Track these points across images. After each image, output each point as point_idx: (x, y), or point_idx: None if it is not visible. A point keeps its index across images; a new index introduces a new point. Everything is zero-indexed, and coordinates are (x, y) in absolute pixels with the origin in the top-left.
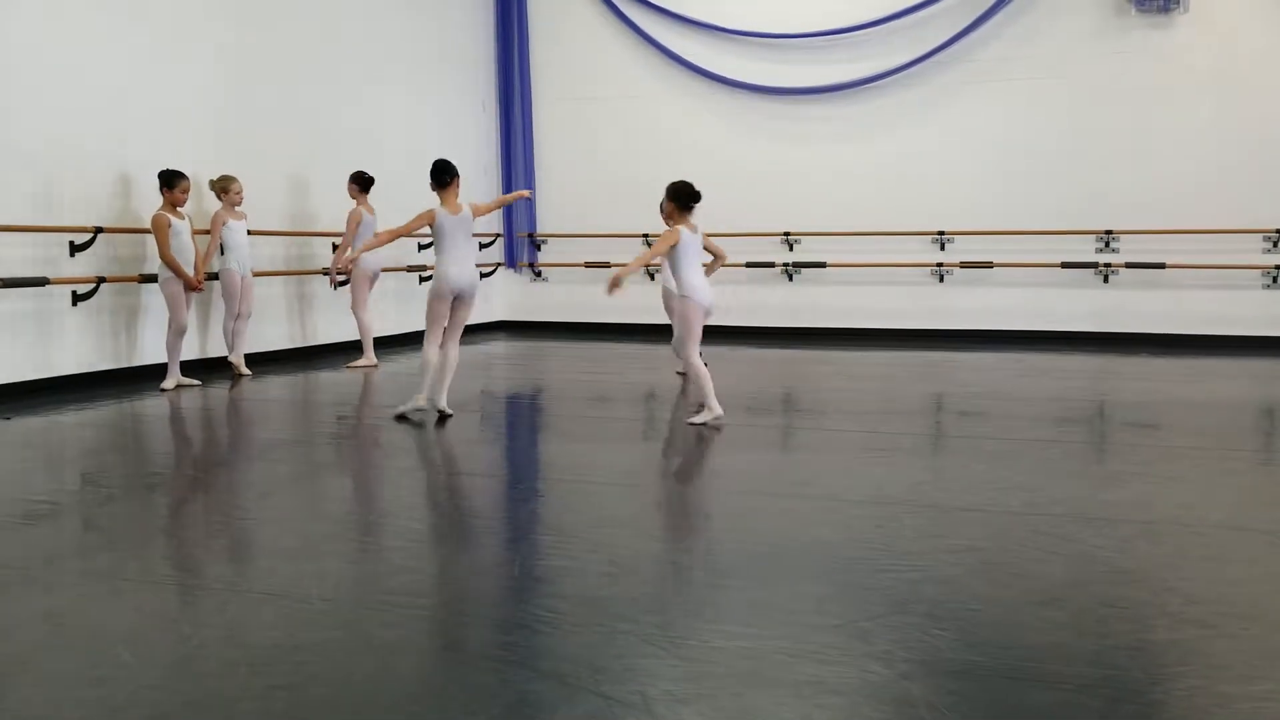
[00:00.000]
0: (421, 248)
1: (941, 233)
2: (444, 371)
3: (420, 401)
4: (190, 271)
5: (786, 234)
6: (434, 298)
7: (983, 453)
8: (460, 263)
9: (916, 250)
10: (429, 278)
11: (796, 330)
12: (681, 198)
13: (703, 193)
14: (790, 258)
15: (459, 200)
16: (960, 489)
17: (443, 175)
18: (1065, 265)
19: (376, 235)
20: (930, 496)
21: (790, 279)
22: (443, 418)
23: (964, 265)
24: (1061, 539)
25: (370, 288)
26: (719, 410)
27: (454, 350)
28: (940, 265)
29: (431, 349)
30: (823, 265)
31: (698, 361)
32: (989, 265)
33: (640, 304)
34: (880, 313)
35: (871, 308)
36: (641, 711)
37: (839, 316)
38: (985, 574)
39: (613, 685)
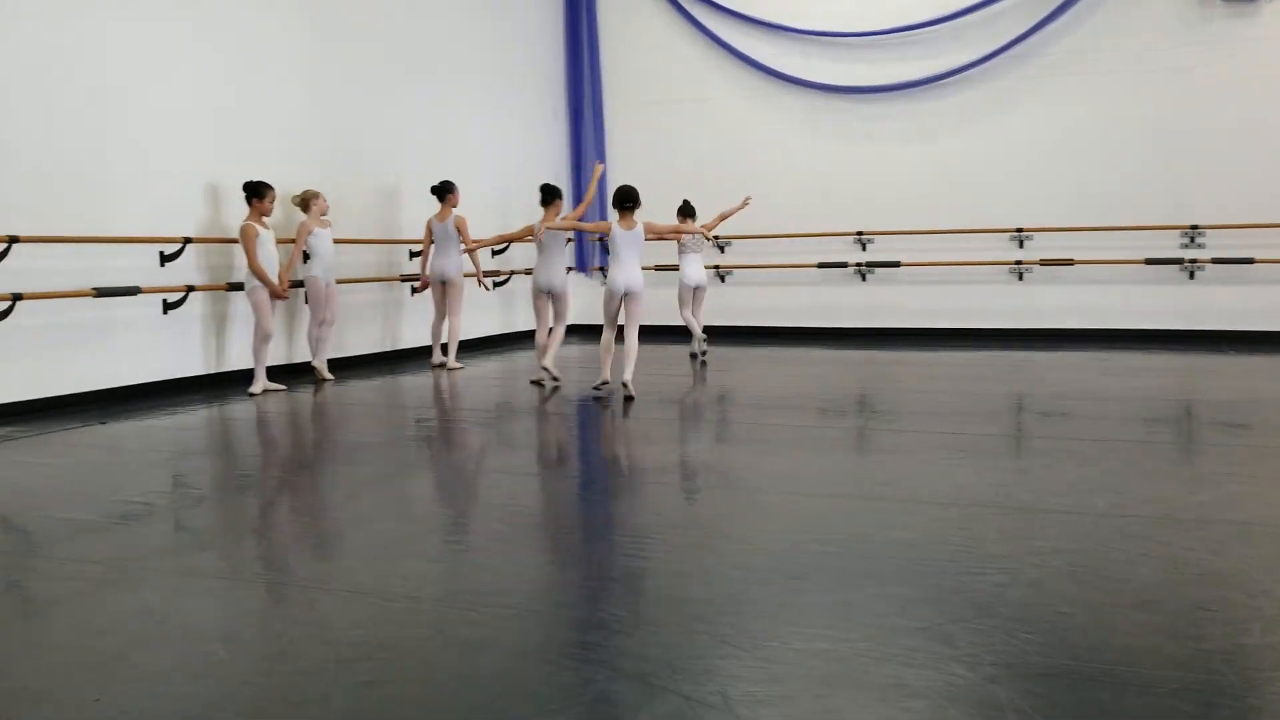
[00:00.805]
0: (495, 253)
1: (1020, 230)
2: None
3: (606, 375)
4: (275, 280)
5: (859, 234)
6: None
7: (1067, 454)
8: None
9: (994, 248)
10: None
11: (871, 331)
12: (615, 199)
13: (689, 199)
14: (863, 257)
15: (557, 216)
16: (1045, 491)
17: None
18: (1149, 261)
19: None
20: (1014, 498)
21: (863, 279)
22: (628, 397)
23: (1043, 263)
24: (1151, 541)
25: (443, 294)
26: (606, 377)
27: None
28: (1019, 263)
29: (606, 336)
30: (897, 265)
31: (606, 338)
32: (1070, 262)
33: (712, 306)
34: (957, 312)
35: (948, 307)
36: (723, 712)
37: (915, 317)
38: (1072, 577)
39: (693, 686)
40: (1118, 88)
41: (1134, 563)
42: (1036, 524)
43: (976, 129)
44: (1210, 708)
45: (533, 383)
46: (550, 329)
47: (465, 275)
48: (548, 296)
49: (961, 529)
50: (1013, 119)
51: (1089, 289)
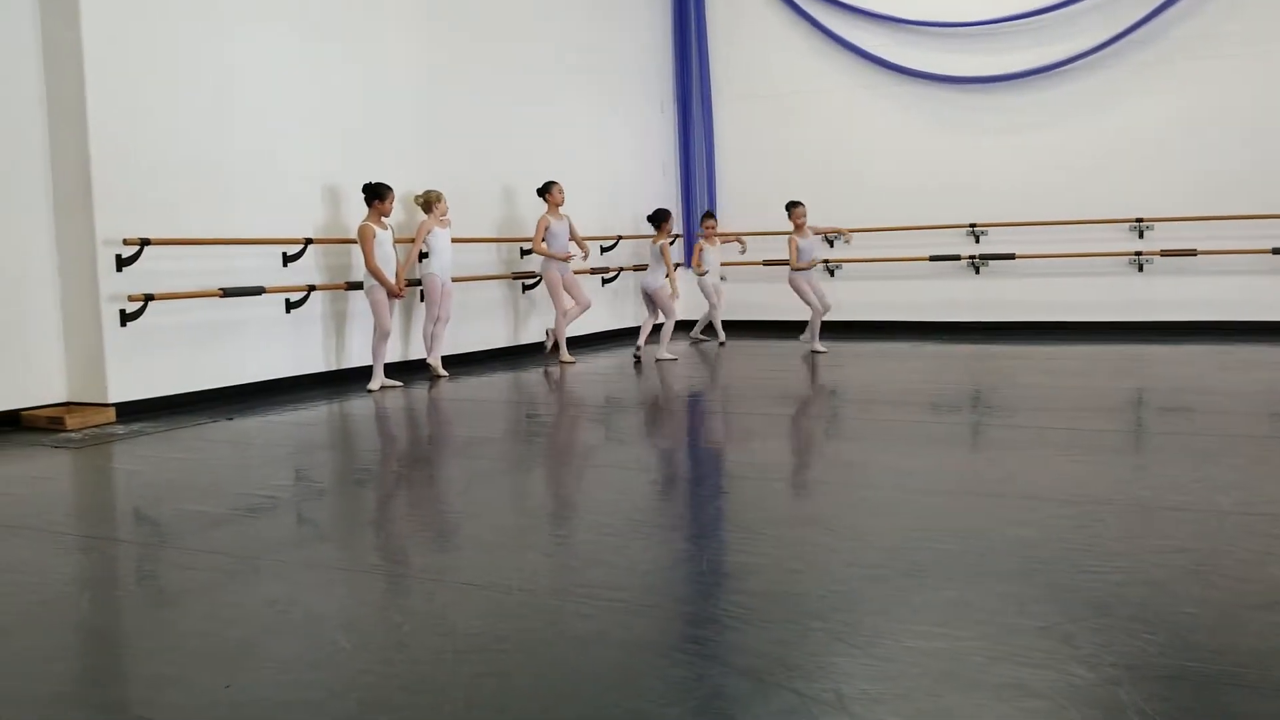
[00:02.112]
0: (604, 250)
1: (1139, 220)
2: (659, 335)
3: (640, 344)
4: (392, 279)
5: (972, 225)
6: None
7: (1190, 450)
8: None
9: (1113, 239)
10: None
11: (985, 325)
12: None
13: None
14: (977, 250)
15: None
16: (1166, 488)
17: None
18: (1276, 251)
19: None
20: (1134, 495)
21: (977, 272)
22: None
23: (1164, 253)
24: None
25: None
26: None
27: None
28: (1139, 254)
29: (645, 320)
30: (1011, 257)
31: (645, 321)
32: (1192, 253)
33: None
34: (1075, 305)
35: (1065, 300)
36: (837, 710)
37: (1030, 310)
38: (1197, 576)
39: (806, 682)
40: (1242, 71)
41: (1262, 562)
42: (1157, 522)
43: (1093, 117)
44: None
45: (635, 358)
46: (656, 322)
47: (577, 272)
48: (646, 296)
49: (1080, 527)
50: (1131, 106)
51: (1213, 280)
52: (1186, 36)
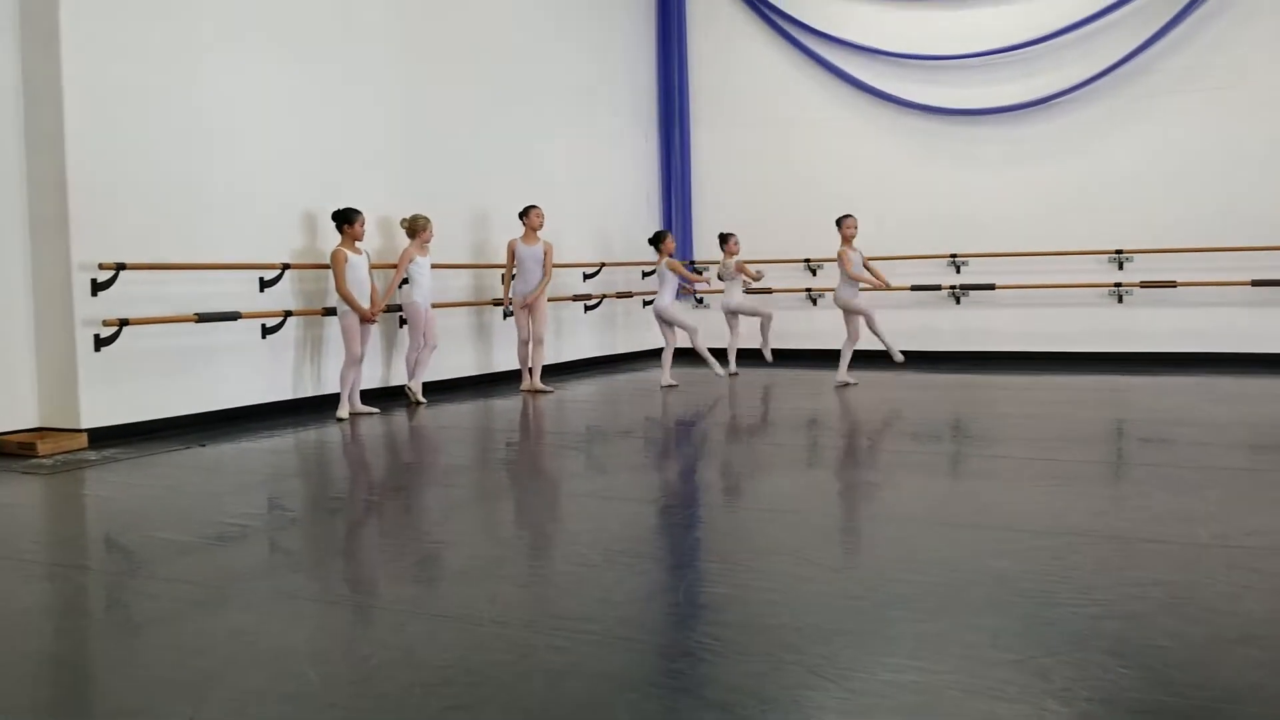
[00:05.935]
0: (586, 276)
1: (1120, 251)
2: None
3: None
4: (365, 304)
5: (954, 256)
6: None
7: (1168, 481)
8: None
9: (1093, 270)
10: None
11: (965, 355)
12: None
13: (855, 215)
14: (958, 280)
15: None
16: (1144, 520)
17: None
18: (1256, 283)
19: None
20: (1112, 527)
21: (958, 302)
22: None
23: (1144, 285)
24: (1257, 573)
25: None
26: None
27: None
28: (1119, 285)
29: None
30: (992, 287)
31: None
32: (1172, 284)
33: (802, 330)
34: (1055, 336)
35: (1045, 331)
36: None
37: (1010, 340)
38: (1173, 609)
39: (780, 716)
40: (1227, 105)
41: (1239, 595)
42: (1135, 554)
43: (1075, 150)
44: None
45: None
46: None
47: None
48: (660, 320)
49: (1057, 558)
50: (1114, 140)
51: (1192, 311)
52: (1171, 71)
